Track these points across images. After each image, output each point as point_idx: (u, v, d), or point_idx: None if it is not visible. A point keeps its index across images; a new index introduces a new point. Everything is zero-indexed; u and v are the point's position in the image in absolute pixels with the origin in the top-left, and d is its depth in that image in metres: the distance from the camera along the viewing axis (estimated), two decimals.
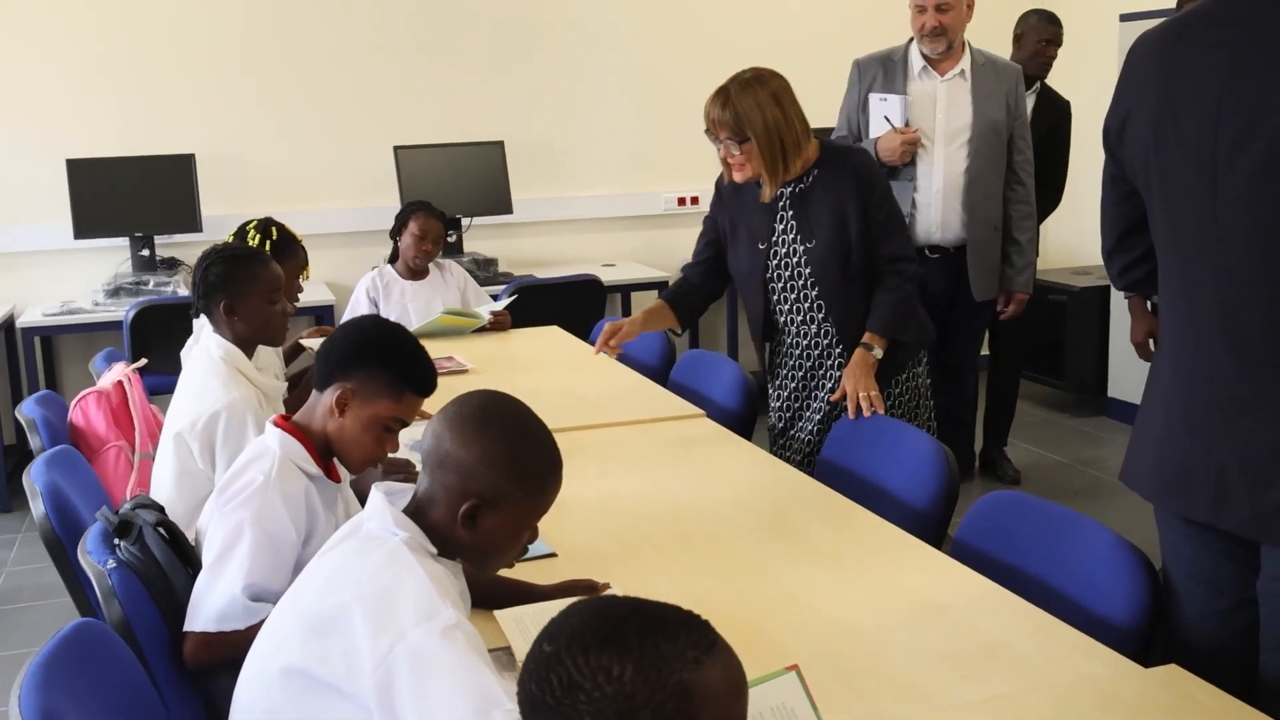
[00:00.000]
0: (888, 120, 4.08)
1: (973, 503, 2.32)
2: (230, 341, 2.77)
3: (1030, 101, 4.78)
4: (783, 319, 3.11)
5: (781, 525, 2.35)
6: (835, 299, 3.01)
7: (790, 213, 3.01)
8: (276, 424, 2.09)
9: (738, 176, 2.96)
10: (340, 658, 1.53)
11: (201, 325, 3.17)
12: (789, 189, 3.01)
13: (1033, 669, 1.75)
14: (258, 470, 2.02)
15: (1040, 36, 4.85)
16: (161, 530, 2.09)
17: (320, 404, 2.07)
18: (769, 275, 3.08)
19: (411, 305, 4.52)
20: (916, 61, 4.12)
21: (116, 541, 2.05)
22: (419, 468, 2.71)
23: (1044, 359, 5.95)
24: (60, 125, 5.36)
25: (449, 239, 5.65)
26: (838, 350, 3.04)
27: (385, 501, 1.65)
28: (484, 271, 5.52)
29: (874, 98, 4.11)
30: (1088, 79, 5.40)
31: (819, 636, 1.86)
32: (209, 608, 1.95)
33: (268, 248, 3.39)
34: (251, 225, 3.52)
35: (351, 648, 1.52)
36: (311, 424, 2.08)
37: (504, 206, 5.71)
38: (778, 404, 3.17)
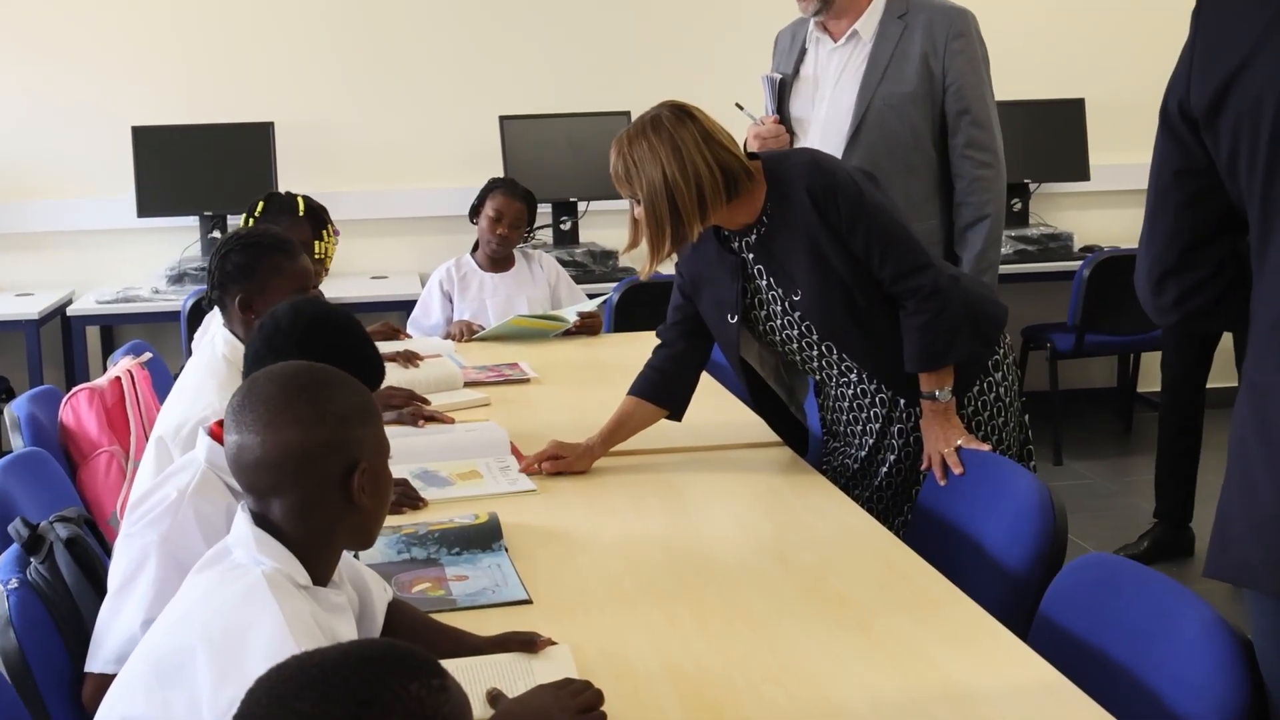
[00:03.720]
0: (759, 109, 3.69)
1: None
2: (240, 340, 2.82)
3: None
4: (817, 376, 2.99)
5: (816, 582, 2.27)
6: (855, 346, 2.84)
7: (760, 267, 2.83)
8: (210, 432, 2.11)
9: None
10: (183, 709, 1.54)
11: (214, 316, 3.26)
12: (749, 238, 2.82)
13: None
14: (174, 485, 2.06)
15: None
16: (85, 546, 2.17)
17: None
18: (773, 339, 2.93)
19: (490, 301, 4.55)
20: (816, 27, 3.57)
21: (29, 560, 2.12)
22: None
23: None
24: (126, 89, 5.62)
25: (561, 225, 5.71)
26: (889, 393, 2.89)
27: (251, 525, 1.65)
28: (600, 265, 5.54)
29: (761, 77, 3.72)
30: None
31: None
32: (108, 647, 2.00)
33: (258, 211, 3.50)
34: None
35: (194, 698, 1.53)
36: None
37: None
38: (849, 451, 3.01)
